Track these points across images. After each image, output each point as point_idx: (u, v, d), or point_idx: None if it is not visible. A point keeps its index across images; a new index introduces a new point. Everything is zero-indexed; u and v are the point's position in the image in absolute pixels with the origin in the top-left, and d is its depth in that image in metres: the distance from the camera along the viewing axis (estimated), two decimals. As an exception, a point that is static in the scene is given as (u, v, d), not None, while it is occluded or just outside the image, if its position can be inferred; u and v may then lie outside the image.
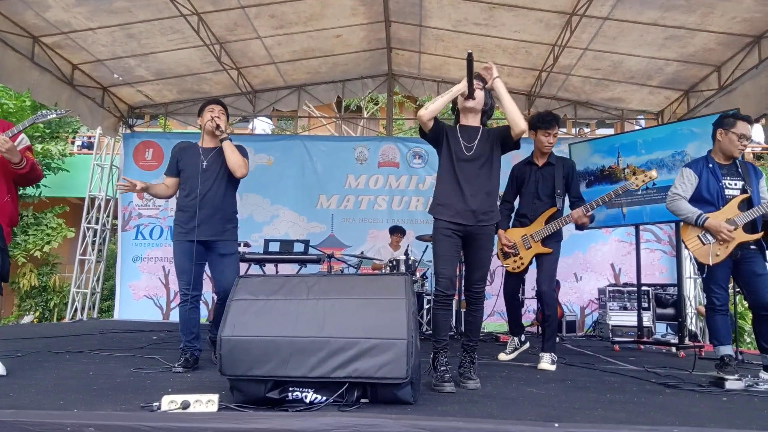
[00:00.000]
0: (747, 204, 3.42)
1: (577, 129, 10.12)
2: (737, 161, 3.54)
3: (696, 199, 3.52)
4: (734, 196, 3.45)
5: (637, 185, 3.83)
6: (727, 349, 3.42)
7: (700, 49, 6.28)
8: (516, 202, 4.09)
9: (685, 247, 3.58)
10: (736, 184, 3.49)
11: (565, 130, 11.01)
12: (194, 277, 3.36)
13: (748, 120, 3.48)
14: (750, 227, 3.40)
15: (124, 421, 1.85)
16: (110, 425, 1.82)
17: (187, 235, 3.38)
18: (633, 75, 7.27)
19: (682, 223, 3.60)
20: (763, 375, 3.36)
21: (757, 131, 11.94)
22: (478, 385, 2.89)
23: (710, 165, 3.53)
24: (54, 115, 3.33)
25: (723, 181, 3.48)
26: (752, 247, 3.41)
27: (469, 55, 2.90)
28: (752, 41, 5.89)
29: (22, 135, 3.20)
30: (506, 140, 3.05)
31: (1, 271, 3.01)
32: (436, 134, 3.08)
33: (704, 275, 3.51)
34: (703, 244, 3.44)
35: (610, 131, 11.35)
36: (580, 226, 3.95)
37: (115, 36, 6.56)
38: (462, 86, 3.02)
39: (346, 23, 7.05)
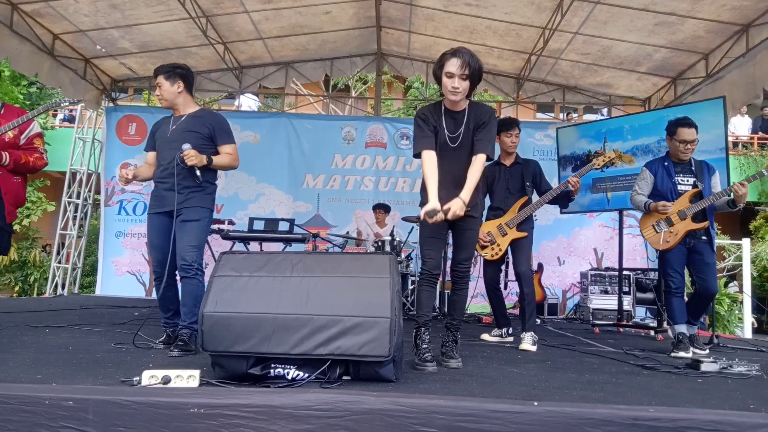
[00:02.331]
0: (698, 198, 3.84)
1: (565, 114, 10.14)
2: (692, 160, 3.96)
3: (653, 194, 3.98)
4: (687, 191, 3.88)
5: (598, 165, 4.19)
6: (682, 328, 3.81)
7: (689, 36, 6.29)
8: (487, 200, 4.21)
9: (641, 234, 4.04)
10: (688, 181, 3.93)
11: (553, 114, 11.04)
12: (168, 252, 3.20)
13: (688, 124, 3.86)
14: (699, 217, 3.81)
15: (104, 395, 1.84)
16: (89, 399, 1.80)
17: (154, 207, 3.29)
18: (622, 61, 7.28)
19: (641, 216, 4.07)
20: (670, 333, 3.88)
21: (740, 121, 12.09)
22: (460, 364, 2.92)
23: (665, 164, 3.99)
24: (67, 103, 3.48)
25: (676, 178, 3.93)
26: (703, 237, 3.84)
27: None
28: (740, 30, 5.91)
29: (34, 122, 3.36)
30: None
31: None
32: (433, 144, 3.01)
33: (660, 261, 3.98)
34: (656, 232, 3.89)
35: (597, 116, 11.38)
36: (567, 204, 4.29)
37: (97, 6, 6.39)
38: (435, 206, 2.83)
39: (336, -1, 6.94)
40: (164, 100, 3.29)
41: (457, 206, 2.81)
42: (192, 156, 3.10)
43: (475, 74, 2.87)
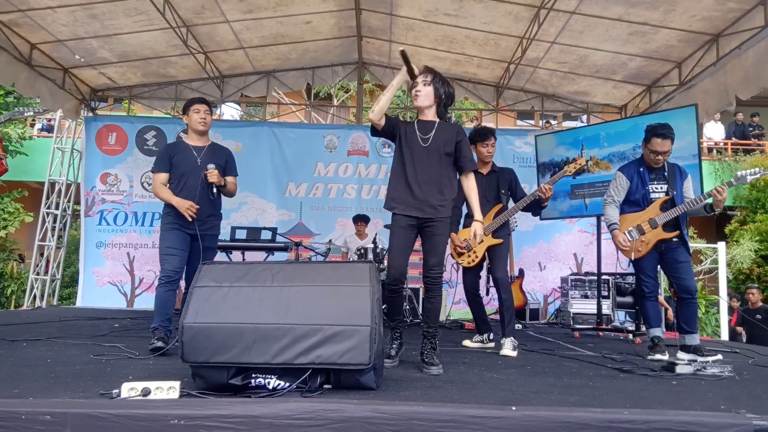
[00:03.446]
0: (670, 204, 3.80)
1: (544, 121, 10.29)
2: (665, 164, 3.88)
3: (625, 201, 3.95)
4: (659, 198, 3.84)
5: (570, 171, 4.28)
6: (657, 332, 3.86)
7: (662, 45, 6.45)
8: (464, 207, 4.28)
9: (613, 242, 4.00)
10: (661, 188, 3.87)
11: (532, 122, 11.18)
12: (185, 262, 3.61)
13: (662, 135, 3.75)
14: (671, 225, 3.78)
15: (82, 408, 1.83)
16: (67, 413, 1.79)
17: (177, 225, 3.61)
18: (598, 69, 7.42)
19: None
20: (681, 355, 3.72)
21: (714, 128, 12.37)
22: (441, 371, 2.94)
23: (641, 169, 3.92)
24: (32, 113, 3.54)
25: (649, 186, 3.88)
26: (675, 240, 3.81)
27: (402, 51, 3.02)
28: (711, 39, 6.07)
29: None
30: (456, 159, 3.20)
31: None
32: (390, 127, 3.16)
33: (634, 266, 3.98)
34: (628, 241, 3.86)
35: (577, 123, 11.55)
36: (539, 211, 4.37)
37: (76, 16, 6.35)
38: (401, 77, 3.12)
39: (316, 9, 6.98)
40: (206, 125, 3.77)
41: (479, 228, 3.16)
42: (215, 175, 3.64)
43: (440, 89, 3.15)
